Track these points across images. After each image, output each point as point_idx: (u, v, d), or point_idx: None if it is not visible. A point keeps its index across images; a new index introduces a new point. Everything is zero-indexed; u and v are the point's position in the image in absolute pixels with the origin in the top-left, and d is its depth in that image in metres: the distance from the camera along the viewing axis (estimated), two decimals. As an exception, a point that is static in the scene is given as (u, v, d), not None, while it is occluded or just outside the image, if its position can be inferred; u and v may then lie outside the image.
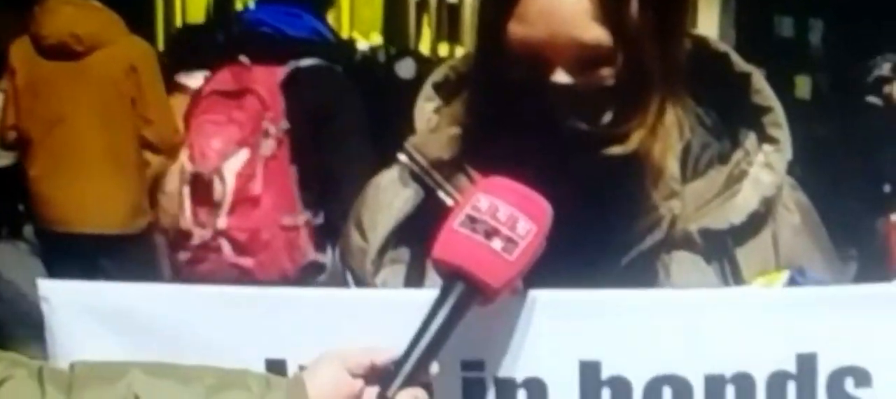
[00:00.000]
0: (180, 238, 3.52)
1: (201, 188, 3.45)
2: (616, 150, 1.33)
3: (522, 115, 1.33)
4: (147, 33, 5.30)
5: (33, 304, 1.37)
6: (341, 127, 3.45)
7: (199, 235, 3.45)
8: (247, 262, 3.44)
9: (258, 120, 3.42)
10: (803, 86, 10.85)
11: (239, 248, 3.44)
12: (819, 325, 1.29)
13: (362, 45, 11.59)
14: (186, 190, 3.47)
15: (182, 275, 3.53)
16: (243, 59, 3.50)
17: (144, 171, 4.94)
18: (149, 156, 4.81)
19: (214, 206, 3.43)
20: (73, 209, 4.76)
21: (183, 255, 3.52)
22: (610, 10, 1.29)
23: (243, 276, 3.37)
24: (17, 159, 5.16)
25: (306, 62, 3.53)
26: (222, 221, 3.43)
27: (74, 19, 4.73)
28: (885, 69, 5.95)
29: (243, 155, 3.43)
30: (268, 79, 3.46)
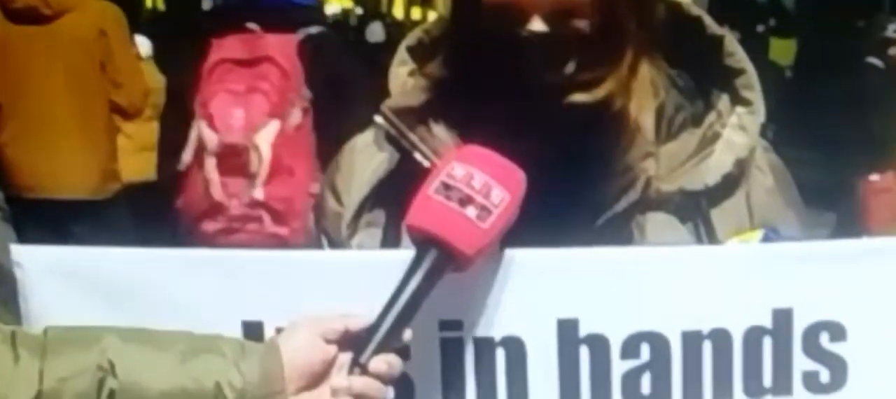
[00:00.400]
0: (211, 209, 3.47)
1: (231, 159, 3.42)
2: (583, 97, 1.33)
3: (499, 70, 1.33)
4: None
5: (6, 268, 1.36)
6: (354, 93, 3.43)
7: (235, 206, 3.42)
8: (283, 230, 3.43)
9: (284, 90, 3.40)
10: (778, 49, 10.90)
11: (277, 218, 3.43)
12: (794, 280, 1.30)
13: (333, 7, 11.53)
14: (212, 161, 3.42)
15: (209, 245, 3.50)
16: (252, 26, 3.48)
17: (115, 136, 4.92)
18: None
19: (249, 177, 3.41)
20: (44, 175, 4.73)
21: (212, 226, 3.47)
22: None
23: (280, 245, 3.33)
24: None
25: (315, 29, 3.53)
26: (259, 192, 3.41)
27: (43, -18, 4.70)
28: (890, 30, 5.93)
29: (274, 126, 3.41)
30: (284, 47, 3.45)
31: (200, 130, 3.43)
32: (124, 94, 4.84)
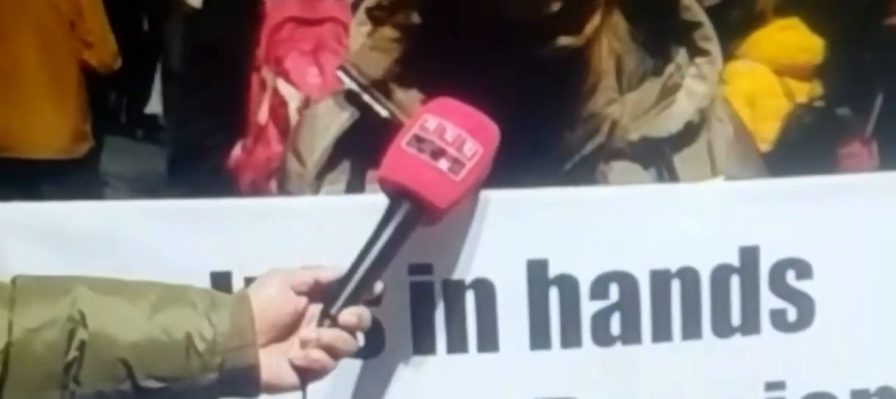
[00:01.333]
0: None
1: None
2: (569, 39, 1.32)
3: (461, 12, 1.32)
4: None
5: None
6: None
7: None
8: None
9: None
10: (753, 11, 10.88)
11: None
12: (761, 218, 1.31)
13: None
14: (296, 116, 3.33)
15: None
16: None
17: (85, 96, 4.89)
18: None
19: None
20: (14, 134, 4.71)
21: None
22: None
23: None
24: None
25: None
26: None
27: (11, -61, 4.66)
28: None
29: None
30: (342, 8, 3.42)
31: (277, 87, 3.39)
32: (95, 54, 4.82)
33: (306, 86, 3.36)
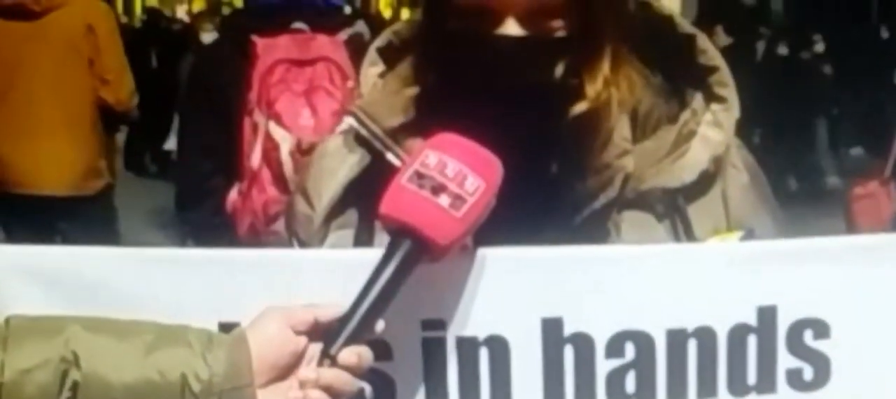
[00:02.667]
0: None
1: (306, 157, 3.38)
2: (578, 107, 1.32)
3: (472, 71, 1.32)
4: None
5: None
6: None
7: None
8: None
9: (345, 88, 3.38)
10: (766, 51, 10.94)
11: None
12: (778, 278, 1.30)
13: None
14: (288, 160, 3.32)
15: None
16: (301, 25, 3.45)
17: (101, 133, 4.91)
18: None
19: None
20: (30, 171, 4.71)
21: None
22: None
23: None
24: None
25: (358, 29, 3.51)
26: None
27: (31, -22, 4.70)
28: None
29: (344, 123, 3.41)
30: (335, 47, 3.42)
31: (269, 130, 3.36)
32: (112, 91, 4.83)
33: (298, 128, 3.34)
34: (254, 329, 1.20)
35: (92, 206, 4.79)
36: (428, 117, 1.37)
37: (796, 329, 1.30)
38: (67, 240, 4.79)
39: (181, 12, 15.02)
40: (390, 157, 1.38)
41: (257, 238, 3.33)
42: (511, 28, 1.31)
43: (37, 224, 4.67)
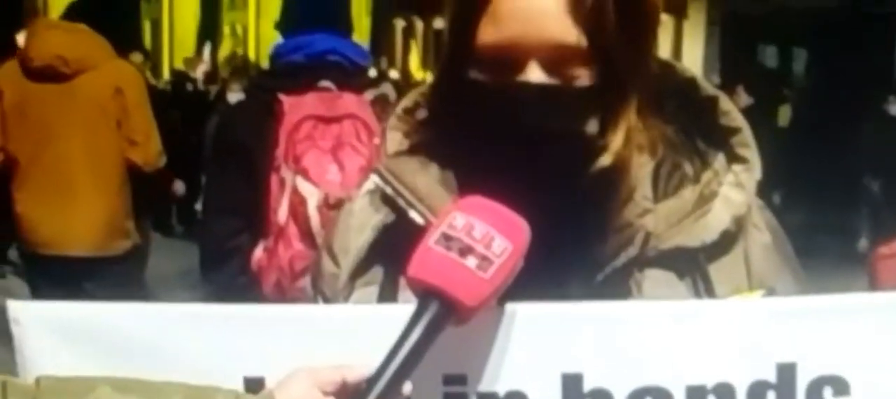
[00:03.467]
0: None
1: (333, 212, 3.33)
2: (602, 161, 1.33)
3: (494, 119, 1.32)
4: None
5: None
6: None
7: None
8: None
9: (373, 147, 3.37)
10: (787, 113, 10.93)
11: None
12: (798, 335, 1.30)
13: (394, 73, 11.63)
14: (315, 215, 3.33)
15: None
16: (328, 84, 3.48)
17: (129, 194, 4.95)
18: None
19: None
20: (58, 231, 4.75)
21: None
22: (585, 10, 1.29)
23: None
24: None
25: (383, 89, 3.53)
26: None
27: (62, 42, 4.75)
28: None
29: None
30: (361, 105, 3.45)
31: (296, 185, 3.37)
32: (140, 153, 4.87)
33: (325, 183, 3.35)
34: (281, 389, 1.20)
35: (119, 267, 4.82)
36: (451, 171, 1.39)
37: (816, 386, 1.30)
38: (93, 300, 4.82)
39: (199, 73, 15.12)
40: (414, 215, 1.38)
41: (283, 295, 3.33)
42: (534, 74, 1.30)
43: (64, 284, 4.69)
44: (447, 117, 1.40)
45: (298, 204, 3.34)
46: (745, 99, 9.42)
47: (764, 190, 1.44)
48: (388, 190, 1.41)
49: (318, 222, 3.31)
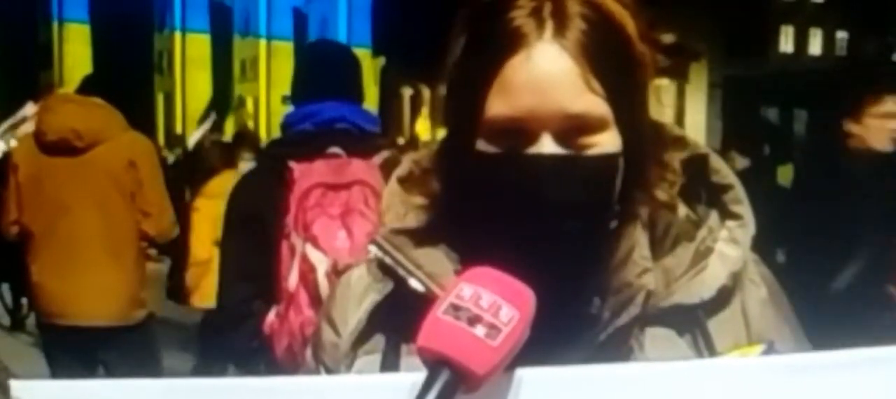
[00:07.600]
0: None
1: None
2: (610, 226, 1.34)
3: (504, 193, 1.32)
4: (147, 129, 5.35)
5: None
6: None
7: None
8: None
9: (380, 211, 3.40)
10: (788, 173, 10.93)
11: None
12: (799, 390, 1.30)
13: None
14: (324, 281, 3.35)
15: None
16: (337, 150, 3.52)
17: (143, 264, 4.99)
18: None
19: None
20: (73, 302, 4.80)
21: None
22: (601, 77, 1.29)
23: None
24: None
25: (390, 153, 3.57)
26: None
27: (75, 116, 4.82)
28: None
29: None
30: (370, 170, 3.48)
31: (306, 253, 3.40)
32: (153, 224, 4.91)
33: (334, 250, 3.37)
34: None
35: (134, 336, 4.86)
36: (450, 239, 1.40)
37: None
38: (109, 369, 4.85)
39: (191, 144, 15.08)
40: (414, 283, 1.40)
41: (295, 359, 3.35)
42: (547, 146, 1.30)
43: (79, 354, 4.72)
44: (452, 188, 1.41)
45: (308, 271, 3.37)
46: (741, 161, 9.42)
47: (767, 248, 1.46)
48: (388, 260, 1.43)
49: (328, 289, 3.33)
